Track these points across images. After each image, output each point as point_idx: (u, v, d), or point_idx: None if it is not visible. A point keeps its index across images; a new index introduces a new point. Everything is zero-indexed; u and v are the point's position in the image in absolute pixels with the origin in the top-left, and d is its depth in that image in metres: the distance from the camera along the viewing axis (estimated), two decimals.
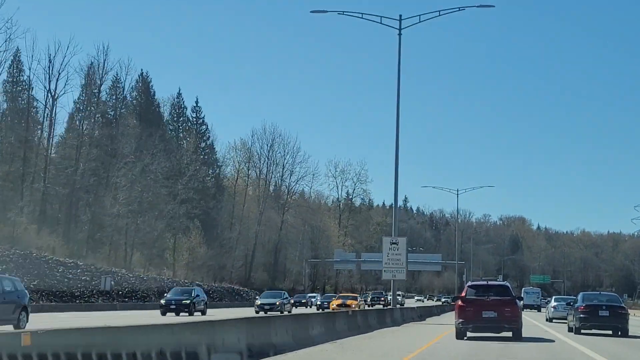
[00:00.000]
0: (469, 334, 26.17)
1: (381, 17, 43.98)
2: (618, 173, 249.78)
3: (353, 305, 52.77)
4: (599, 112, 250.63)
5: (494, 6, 42.70)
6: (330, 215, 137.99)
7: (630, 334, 31.40)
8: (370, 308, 59.53)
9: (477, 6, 42.66)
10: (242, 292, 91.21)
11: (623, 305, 32.61)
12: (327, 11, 45.30)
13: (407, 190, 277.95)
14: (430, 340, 25.44)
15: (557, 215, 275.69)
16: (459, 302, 26.24)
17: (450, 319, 35.41)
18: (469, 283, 28.55)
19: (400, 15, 43.92)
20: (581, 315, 31.46)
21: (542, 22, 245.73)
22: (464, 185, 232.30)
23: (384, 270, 44.35)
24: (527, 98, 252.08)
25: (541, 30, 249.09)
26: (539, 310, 79.16)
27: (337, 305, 53.90)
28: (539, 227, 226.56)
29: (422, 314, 51.10)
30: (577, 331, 31.66)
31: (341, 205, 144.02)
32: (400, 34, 43.81)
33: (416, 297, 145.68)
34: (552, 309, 50.17)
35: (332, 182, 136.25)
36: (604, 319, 31.20)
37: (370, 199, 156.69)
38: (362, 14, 44.24)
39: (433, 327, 35.93)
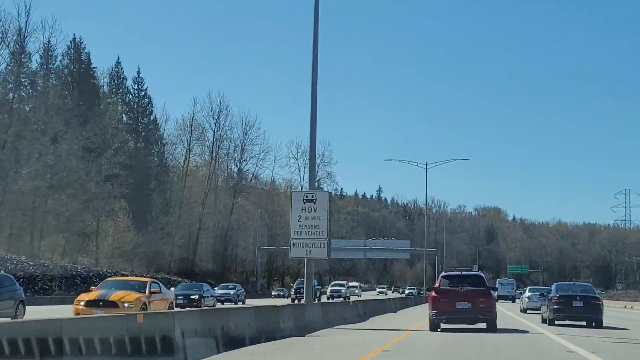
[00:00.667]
0: (442, 325, 26.26)
1: None
2: (593, 163, 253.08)
3: (126, 304, 25.92)
4: (575, 102, 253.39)
5: None
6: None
7: (604, 325, 31.35)
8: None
9: None
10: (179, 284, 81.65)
11: (597, 295, 32.52)
12: None
13: (382, 180, 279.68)
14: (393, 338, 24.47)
15: (533, 206, 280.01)
16: (433, 293, 26.35)
17: (408, 320, 34.88)
18: (443, 273, 28.58)
19: None
20: (555, 306, 31.32)
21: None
22: (439, 175, 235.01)
23: (293, 244, 30.58)
24: (504, 87, 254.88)
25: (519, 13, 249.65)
26: (514, 301, 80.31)
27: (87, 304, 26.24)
28: (514, 218, 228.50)
29: (368, 312, 38.33)
30: (551, 322, 31.52)
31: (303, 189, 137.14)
32: None
33: (378, 289, 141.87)
34: (527, 300, 50.37)
35: (294, 164, 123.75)
36: (577, 310, 31.10)
37: (337, 186, 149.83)
38: None
39: (358, 339, 22.35)
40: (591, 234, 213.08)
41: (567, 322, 31.80)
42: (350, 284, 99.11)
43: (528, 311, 48.83)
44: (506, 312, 46.90)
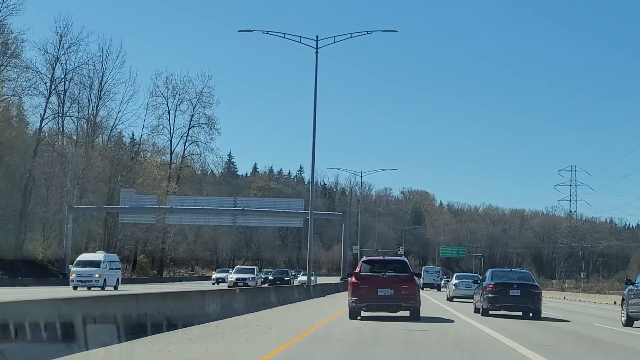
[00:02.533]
0: (363, 313, 26.30)
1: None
2: (522, 149, 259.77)
3: None
4: (504, 87, 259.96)
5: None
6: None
7: (542, 316, 30.83)
8: None
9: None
10: None
11: (536, 284, 31.88)
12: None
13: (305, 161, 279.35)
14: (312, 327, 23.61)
15: (462, 191, 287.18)
16: (353, 279, 26.30)
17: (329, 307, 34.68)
18: (364, 258, 28.68)
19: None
20: (489, 295, 30.58)
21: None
22: (367, 161, 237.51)
23: None
24: (434, 74, 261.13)
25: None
26: (439, 290, 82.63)
27: None
28: (441, 204, 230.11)
29: (281, 299, 36.96)
30: (485, 312, 30.81)
31: (172, 142, 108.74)
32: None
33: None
34: (453, 287, 50.57)
35: (162, 102, 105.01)
36: (514, 299, 30.38)
37: (219, 133, 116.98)
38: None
39: (272, 329, 21.07)
40: (522, 220, 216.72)
41: (503, 312, 31.21)
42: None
43: (455, 299, 49.27)
44: (432, 300, 47.34)
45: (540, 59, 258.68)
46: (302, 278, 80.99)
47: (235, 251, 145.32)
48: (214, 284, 76.10)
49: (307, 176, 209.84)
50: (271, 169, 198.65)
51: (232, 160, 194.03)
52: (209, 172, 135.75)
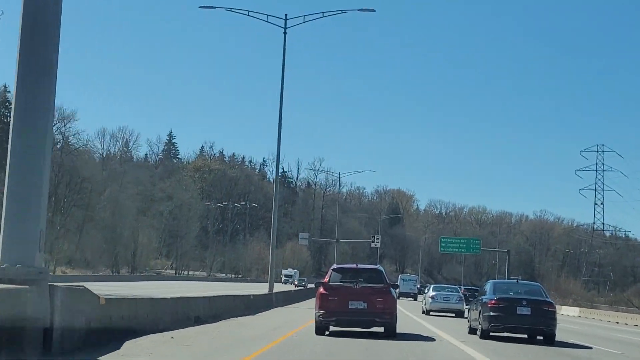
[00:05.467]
0: (332, 328, 26.01)
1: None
2: (510, 152, 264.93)
3: None
4: (488, 90, 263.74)
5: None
6: None
7: (558, 340, 27.67)
8: None
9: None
10: None
11: (549, 300, 28.38)
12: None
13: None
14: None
15: (444, 191, 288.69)
16: (321, 289, 25.95)
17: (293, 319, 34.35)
18: (334, 266, 28.46)
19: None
20: (491, 314, 27.05)
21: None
22: (340, 154, 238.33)
23: None
24: (414, 58, 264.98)
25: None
26: (415, 299, 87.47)
27: None
28: (417, 208, 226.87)
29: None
30: (484, 334, 27.54)
31: None
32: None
33: None
34: (430, 300, 50.66)
35: None
36: (523, 319, 26.99)
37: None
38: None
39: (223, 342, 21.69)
40: (512, 224, 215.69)
41: (505, 334, 27.96)
42: None
43: (431, 313, 49.62)
44: (407, 314, 46.94)
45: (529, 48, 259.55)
46: None
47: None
48: None
49: (270, 171, 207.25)
50: (221, 153, 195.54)
51: (173, 141, 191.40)
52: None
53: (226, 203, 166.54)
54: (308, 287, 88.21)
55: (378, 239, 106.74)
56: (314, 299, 26.64)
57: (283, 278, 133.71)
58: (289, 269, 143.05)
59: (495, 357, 21.01)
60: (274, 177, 57.95)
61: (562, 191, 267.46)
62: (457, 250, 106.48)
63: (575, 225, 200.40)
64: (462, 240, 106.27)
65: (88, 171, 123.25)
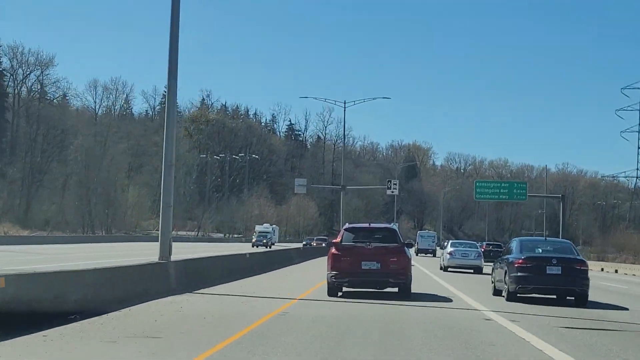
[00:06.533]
0: (345, 289, 26.40)
1: None
2: (525, 101, 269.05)
3: None
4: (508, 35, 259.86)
5: None
6: None
7: (591, 301, 26.54)
8: None
9: None
10: None
11: (582, 258, 27.26)
12: None
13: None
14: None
15: (463, 143, 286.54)
16: (333, 250, 26.21)
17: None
18: (346, 225, 28.32)
19: None
20: (519, 274, 25.92)
21: None
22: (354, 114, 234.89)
23: None
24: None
25: None
26: (434, 255, 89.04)
27: None
28: (434, 164, 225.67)
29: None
30: (511, 296, 26.41)
31: None
32: None
33: None
34: (448, 256, 51.26)
35: None
36: (553, 280, 25.89)
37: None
38: None
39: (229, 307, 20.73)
40: (533, 177, 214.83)
41: (534, 295, 26.85)
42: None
43: (449, 269, 50.45)
44: (423, 271, 46.92)
45: None
46: None
47: None
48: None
49: (279, 124, 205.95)
50: (224, 105, 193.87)
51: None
52: None
53: (223, 155, 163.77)
54: (274, 248, 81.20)
55: (395, 184, 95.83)
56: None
57: (255, 238, 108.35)
58: (265, 224, 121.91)
59: (528, 327, 19.54)
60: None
61: (586, 142, 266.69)
62: (496, 197, 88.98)
63: (600, 176, 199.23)
64: (503, 185, 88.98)
65: (69, 123, 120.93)
